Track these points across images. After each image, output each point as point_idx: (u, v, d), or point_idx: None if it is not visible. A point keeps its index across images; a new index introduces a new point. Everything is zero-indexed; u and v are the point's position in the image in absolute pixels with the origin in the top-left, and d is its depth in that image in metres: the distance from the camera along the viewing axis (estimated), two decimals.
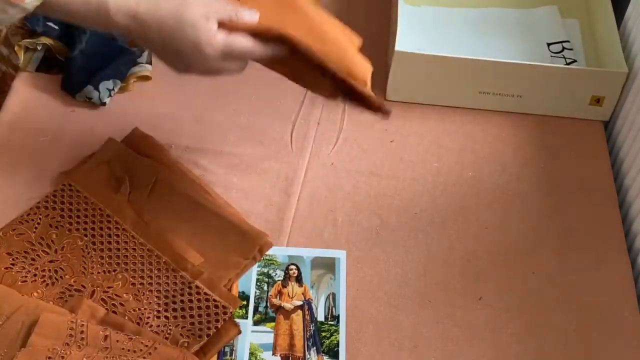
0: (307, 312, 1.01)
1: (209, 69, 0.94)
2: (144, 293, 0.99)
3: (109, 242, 1.03)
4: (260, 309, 1.01)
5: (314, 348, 0.98)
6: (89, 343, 0.92)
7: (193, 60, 0.92)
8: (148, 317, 0.97)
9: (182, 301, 0.99)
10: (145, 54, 1.26)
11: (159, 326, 0.97)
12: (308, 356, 0.97)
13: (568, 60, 1.25)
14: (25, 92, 1.22)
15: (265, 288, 1.03)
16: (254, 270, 1.04)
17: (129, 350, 0.92)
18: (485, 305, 1.02)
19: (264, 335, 0.99)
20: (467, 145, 1.19)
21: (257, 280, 1.03)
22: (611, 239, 1.09)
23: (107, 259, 1.02)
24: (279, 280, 1.04)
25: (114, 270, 1.01)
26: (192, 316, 0.98)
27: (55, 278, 1.00)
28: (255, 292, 1.02)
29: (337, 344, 0.98)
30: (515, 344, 0.99)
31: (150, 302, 0.98)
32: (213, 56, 0.92)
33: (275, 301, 1.02)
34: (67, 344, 0.92)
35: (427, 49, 1.20)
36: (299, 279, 1.04)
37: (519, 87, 1.20)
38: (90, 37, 1.22)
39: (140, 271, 1.01)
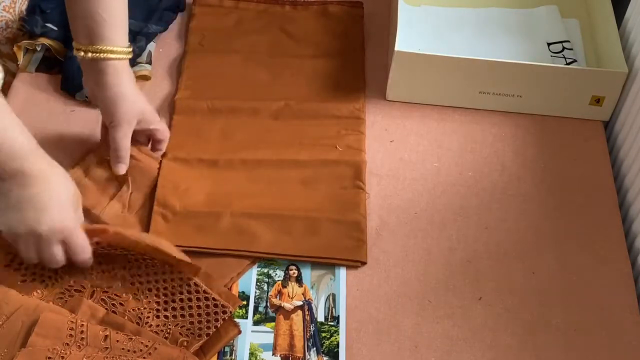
0: (307, 313, 1.01)
1: (40, 233, 0.93)
2: (143, 292, 0.99)
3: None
4: (260, 309, 1.01)
5: (314, 348, 0.98)
6: (89, 343, 0.92)
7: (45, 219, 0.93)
8: (147, 317, 0.97)
9: (181, 300, 0.99)
10: (145, 53, 1.26)
11: (158, 325, 0.97)
12: (308, 356, 0.97)
13: (568, 60, 1.25)
14: (25, 92, 1.22)
15: (265, 288, 1.03)
16: (254, 270, 1.04)
17: (129, 351, 0.92)
18: (485, 305, 1.02)
19: (264, 335, 0.99)
20: (467, 145, 1.19)
21: (257, 280, 1.03)
22: (611, 239, 1.09)
23: (105, 258, 1.02)
24: (279, 280, 1.04)
25: (113, 270, 1.01)
26: (191, 315, 0.98)
27: (55, 279, 1.00)
28: (255, 292, 1.02)
29: (337, 345, 0.98)
30: (515, 344, 0.99)
31: (149, 302, 0.98)
32: (56, 226, 0.93)
33: (275, 301, 1.02)
34: (67, 344, 0.92)
35: (427, 49, 1.20)
36: (299, 279, 1.04)
37: (519, 87, 1.20)
38: None
39: (138, 269, 1.01)
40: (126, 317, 0.97)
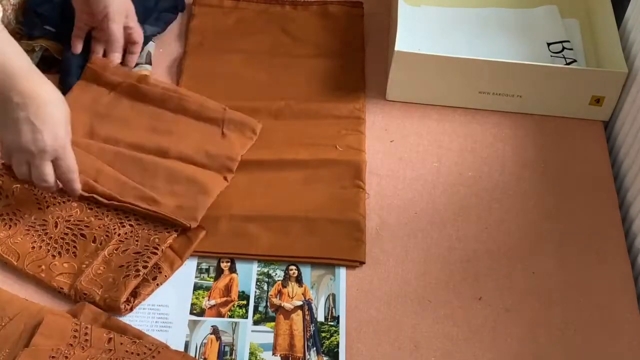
0: (307, 313, 1.01)
1: (34, 151, 0.98)
2: (103, 212, 1.06)
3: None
4: (260, 308, 1.01)
5: (314, 348, 0.98)
6: (92, 345, 0.92)
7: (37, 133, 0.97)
8: (114, 228, 1.04)
9: (140, 212, 1.06)
10: (145, 53, 1.26)
11: (126, 233, 1.04)
12: (308, 356, 0.97)
13: (568, 60, 1.25)
14: None
15: (265, 288, 1.03)
16: (254, 270, 1.04)
17: (132, 353, 0.92)
18: (485, 305, 1.02)
19: (264, 335, 0.99)
20: (467, 145, 1.19)
21: (257, 280, 1.03)
22: (611, 239, 1.09)
23: (57, 193, 1.06)
24: (279, 280, 1.04)
25: (68, 200, 1.07)
26: (154, 220, 1.05)
27: (16, 220, 1.04)
28: (255, 292, 1.02)
29: (337, 345, 0.98)
30: (515, 344, 0.99)
31: (111, 218, 1.05)
32: (49, 145, 0.98)
33: (276, 301, 1.02)
34: (71, 344, 0.92)
35: (427, 49, 1.20)
36: (299, 279, 1.04)
37: (519, 87, 1.20)
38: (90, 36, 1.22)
39: (93, 197, 1.07)
40: (95, 236, 1.03)
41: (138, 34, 1.21)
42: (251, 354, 0.97)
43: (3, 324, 0.94)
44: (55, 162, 1.00)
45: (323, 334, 0.99)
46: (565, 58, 1.25)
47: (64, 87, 1.21)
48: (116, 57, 1.19)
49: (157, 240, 1.03)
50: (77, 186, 1.04)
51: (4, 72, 0.95)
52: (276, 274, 1.04)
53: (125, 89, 1.18)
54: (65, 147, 1.00)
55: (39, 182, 1.00)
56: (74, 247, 1.03)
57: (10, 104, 0.95)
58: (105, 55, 1.21)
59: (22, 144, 0.97)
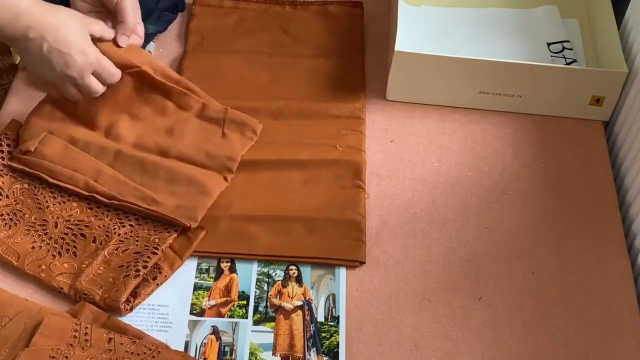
0: (307, 313, 1.01)
1: (73, 75, 1.03)
2: (103, 212, 1.06)
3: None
4: (260, 308, 1.01)
5: (314, 349, 0.98)
6: (92, 345, 0.92)
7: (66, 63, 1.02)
8: (115, 228, 1.05)
9: (140, 213, 1.06)
10: None
11: (126, 233, 1.04)
12: (308, 356, 0.97)
13: (568, 60, 1.25)
14: (25, 92, 1.22)
15: (265, 288, 1.03)
16: (254, 270, 1.04)
17: (132, 353, 0.92)
18: (485, 305, 1.02)
19: (264, 335, 0.99)
20: (467, 145, 1.19)
21: (257, 280, 1.03)
22: (611, 239, 1.09)
23: (57, 193, 1.08)
24: (279, 280, 1.04)
25: (68, 200, 1.07)
26: (154, 220, 1.05)
27: (16, 220, 1.05)
28: (255, 292, 1.02)
29: (337, 345, 0.98)
30: (515, 344, 0.99)
31: (111, 218, 1.06)
32: (83, 64, 1.03)
33: (276, 301, 1.02)
34: (71, 344, 0.92)
35: (427, 49, 1.20)
36: (299, 279, 1.04)
37: (519, 87, 1.20)
38: None
39: (93, 197, 1.07)
40: (95, 236, 1.04)
41: (140, 29, 1.16)
42: (251, 354, 0.97)
43: (3, 324, 0.94)
44: (96, 74, 1.05)
45: (323, 334, 0.99)
46: (565, 58, 1.25)
47: None
48: (123, 39, 1.11)
49: (157, 240, 1.03)
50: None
51: (12, 11, 0.98)
52: (276, 274, 1.04)
53: (134, 72, 1.16)
54: (99, 58, 1.04)
55: (91, 94, 1.06)
56: (74, 247, 1.03)
57: (29, 42, 0.99)
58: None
59: (59, 73, 1.02)
